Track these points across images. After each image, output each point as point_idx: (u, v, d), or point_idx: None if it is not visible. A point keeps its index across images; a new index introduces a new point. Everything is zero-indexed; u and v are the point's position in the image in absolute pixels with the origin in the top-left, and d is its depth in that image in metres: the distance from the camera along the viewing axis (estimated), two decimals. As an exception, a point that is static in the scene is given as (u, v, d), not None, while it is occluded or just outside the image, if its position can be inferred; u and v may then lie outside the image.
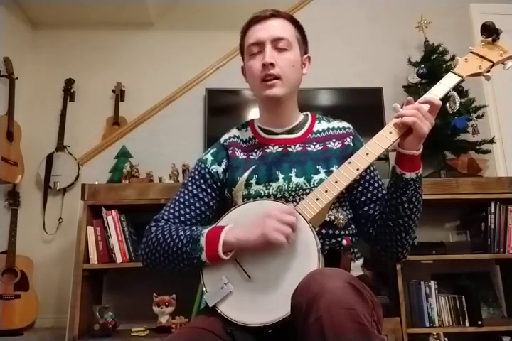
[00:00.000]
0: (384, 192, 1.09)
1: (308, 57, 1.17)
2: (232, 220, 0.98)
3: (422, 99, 0.97)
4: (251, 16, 1.12)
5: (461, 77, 1.01)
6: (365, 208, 1.09)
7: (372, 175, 1.10)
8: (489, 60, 1.02)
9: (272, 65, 1.05)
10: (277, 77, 1.06)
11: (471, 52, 1.04)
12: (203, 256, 0.93)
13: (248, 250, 0.92)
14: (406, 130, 0.95)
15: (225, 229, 0.94)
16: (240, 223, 0.95)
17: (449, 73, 1.01)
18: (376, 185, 1.10)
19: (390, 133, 0.96)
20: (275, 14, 1.10)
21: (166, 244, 0.99)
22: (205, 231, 0.96)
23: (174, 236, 0.99)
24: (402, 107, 0.98)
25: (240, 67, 1.20)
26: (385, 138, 0.96)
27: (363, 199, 1.09)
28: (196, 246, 0.94)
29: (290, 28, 1.11)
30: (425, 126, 0.93)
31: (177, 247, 0.97)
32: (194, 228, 1.00)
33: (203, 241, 0.94)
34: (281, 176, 1.05)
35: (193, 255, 0.94)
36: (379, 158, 0.97)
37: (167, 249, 0.98)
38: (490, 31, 1.02)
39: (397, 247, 1.04)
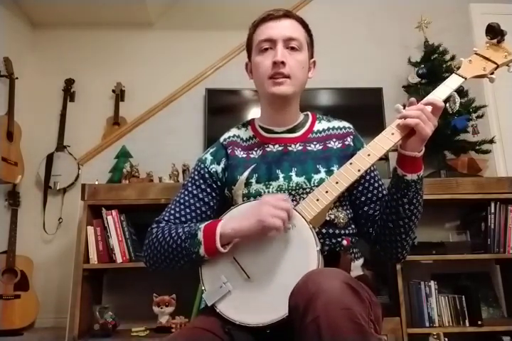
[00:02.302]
0: (384, 192, 1.09)
1: (314, 62, 1.17)
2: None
3: (425, 100, 0.97)
4: (263, 13, 1.11)
5: (465, 78, 1.00)
6: (365, 208, 1.08)
7: (372, 174, 1.10)
8: (493, 62, 1.01)
9: (283, 63, 1.04)
10: (287, 76, 1.05)
11: (476, 54, 1.03)
12: (202, 250, 0.93)
13: (246, 240, 0.92)
14: (408, 131, 0.94)
15: (221, 221, 0.95)
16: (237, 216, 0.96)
17: (453, 74, 1.00)
18: (376, 185, 1.10)
19: (392, 134, 0.96)
20: (288, 14, 1.10)
21: (166, 242, 0.99)
22: (203, 225, 0.96)
23: (173, 234, 0.99)
24: (404, 108, 0.98)
25: (242, 65, 1.19)
26: (386, 140, 0.96)
27: (363, 199, 1.09)
28: (194, 241, 0.94)
29: (301, 30, 1.11)
30: (428, 128, 0.92)
31: (176, 244, 0.97)
32: (192, 224, 1.00)
33: (200, 235, 0.94)
34: (281, 175, 1.05)
35: (192, 250, 0.95)
36: (379, 158, 0.97)
37: (167, 248, 0.99)
38: (495, 32, 1.01)
39: (397, 248, 1.04)
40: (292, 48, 1.07)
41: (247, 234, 0.90)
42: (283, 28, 1.08)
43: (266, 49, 1.08)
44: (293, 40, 1.07)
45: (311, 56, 1.16)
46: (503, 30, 1.01)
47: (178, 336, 0.91)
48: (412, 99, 0.97)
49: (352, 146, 1.10)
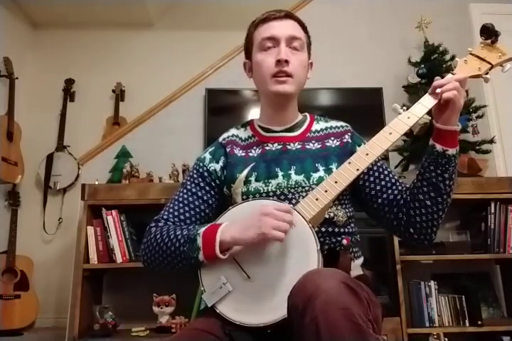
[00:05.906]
0: (396, 177, 1.10)
1: (311, 63, 1.18)
2: (229, 220, 0.98)
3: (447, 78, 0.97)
4: (264, 14, 1.12)
5: None
6: (384, 195, 1.07)
7: (379, 164, 1.10)
8: (488, 62, 1.01)
9: (287, 62, 1.05)
10: (289, 75, 1.06)
11: (471, 54, 1.03)
12: (201, 256, 0.93)
13: (245, 248, 0.92)
14: (437, 106, 0.96)
15: (220, 227, 0.94)
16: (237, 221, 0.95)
17: (449, 74, 1.01)
18: (386, 172, 1.10)
19: (390, 133, 0.96)
20: (290, 15, 1.12)
21: (164, 244, 0.99)
22: (202, 230, 0.95)
23: (172, 236, 0.99)
24: (402, 108, 0.99)
25: (241, 65, 1.19)
26: (384, 139, 0.96)
27: (378, 188, 1.07)
28: (193, 246, 0.94)
29: (302, 31, 1.13)
30: (462, 99, 0.95)
31: (175, 247, 0.97)
32: (191, 227, 1.00)
33: (199, 241, 0.94)
34: (280, 173, 1.05)
35: (191, 255, 0.94)
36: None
37: (165, 249, 0.99)
38: (489, 33, 1.01)
39: (433, 227, 1.02)
40: (294, 48, 1.08)
41: (247, 244, 0.90)
42: (286, 28, 1.09)
43: (269, 47, 1.08)
44: (296, 39, 1.08)
45: (309, 57, 1.17)
46: (497, 31, 1.01)
47: (177, 338, 0.90)
48: (437, 77, 0.98)
49: (350, 143, 1.11)
